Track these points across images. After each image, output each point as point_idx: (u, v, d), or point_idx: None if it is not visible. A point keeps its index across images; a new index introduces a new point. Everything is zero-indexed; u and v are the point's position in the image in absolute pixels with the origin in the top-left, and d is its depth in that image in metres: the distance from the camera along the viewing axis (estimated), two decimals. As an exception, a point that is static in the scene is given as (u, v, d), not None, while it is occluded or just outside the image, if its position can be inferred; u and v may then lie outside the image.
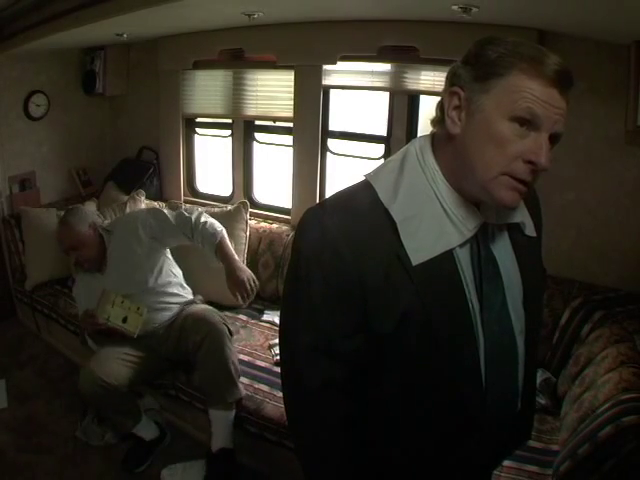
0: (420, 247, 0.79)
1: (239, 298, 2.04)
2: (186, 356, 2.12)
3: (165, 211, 2.31)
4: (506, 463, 1.61)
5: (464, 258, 0.82)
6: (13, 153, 3.19)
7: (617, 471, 1.36)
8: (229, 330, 2.16)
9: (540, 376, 1.97)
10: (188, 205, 3.07)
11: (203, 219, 2.23)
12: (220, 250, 2.18)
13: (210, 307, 2.30)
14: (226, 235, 2.23)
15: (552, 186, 2.08)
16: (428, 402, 0.86)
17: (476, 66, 0.76)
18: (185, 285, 2.39)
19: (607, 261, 2.16)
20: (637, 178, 2.04)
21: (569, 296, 2.09)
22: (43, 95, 3.25)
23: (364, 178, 0.87)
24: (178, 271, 2.40)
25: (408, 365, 0.84)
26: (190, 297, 2.37)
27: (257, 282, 2.09)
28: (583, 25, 1.83)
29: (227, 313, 2.38)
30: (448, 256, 0.80)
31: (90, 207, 2.49)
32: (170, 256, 2.38)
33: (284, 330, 0.92)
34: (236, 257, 2.18)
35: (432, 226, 0.80)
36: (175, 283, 2.33)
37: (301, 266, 0.85)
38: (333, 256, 0.80)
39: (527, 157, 0.74)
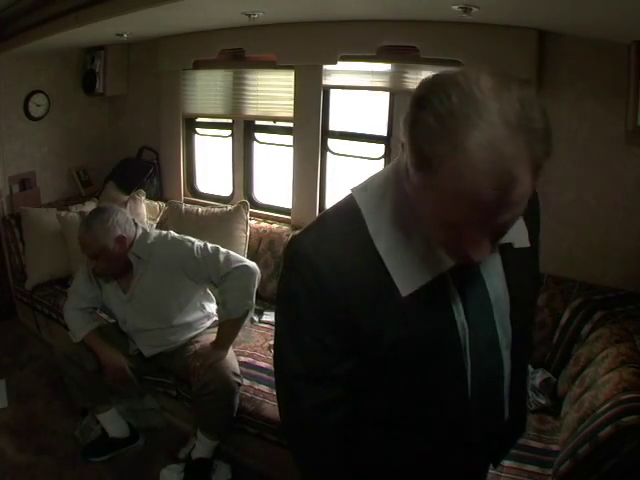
0: (408, 276, 0.76)
1: (194, 368, 1.98)
2: (188, 381, 2.08)
3: (199, 256, 2.02)
4: (506, 463, 1.61)
5: (452, 280, 0.80)
6: (13, 153, 3.19)
7: (617, 471, 1.36)
8: (239, 382, 2.02)
9: (540, 376, 1.97)
10: (188, 205, 3.07)
11: (236, 283, 1.99)
12: (226, 326, 2.04)
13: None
14: (249, 315, 2.06)
15: (552, 186, 2.08)
16: (414, 417, 0.86)
17: (410, 144, 0.63)
18: (213, 313, 2.27)
19: (607, 261, 2.16)
20: (637, 178, 2.04)
21: (569, 296, 2.09)
22: (43, 95, 3.25)
23: (350, 192, 0.82)
24: (209, 304, 2.26)
25: (396, 385, 0.84)
26: (211, 322, 2.25)
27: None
28: (583, 25, 1.84)
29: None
30: (437, 280, 0.77)
31: (123, 211, 2.11)
32: (207, 290, 2.23)
33: (276, 350, 0.91)
34: (230, 342, 2.06)
35: (420, 253, 0.76)
36: (201, 317, 2.21)
37: (286, 291, 0.84)
38: (315, 281, 0.78)
39: (461, 245, 0.67)
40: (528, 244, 0.86)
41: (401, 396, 0.85)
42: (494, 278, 0.83)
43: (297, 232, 0.85)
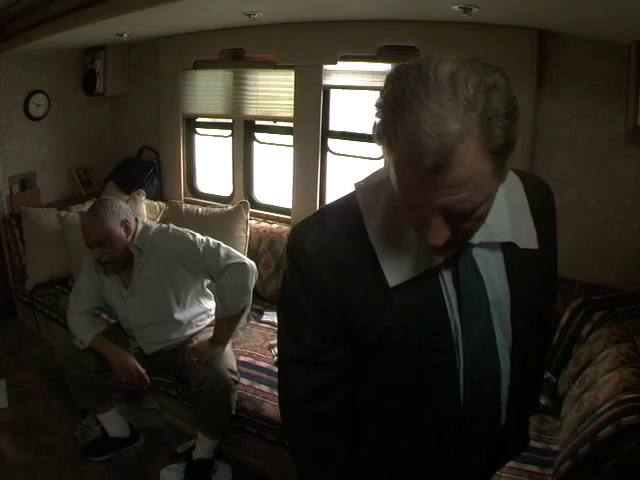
0: (398, 268, 0.78)
1: (191, 364, 2.00)
2: (187, 380, 2.08)
3: (201, 249, 2.04)
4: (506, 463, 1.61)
5: (447, 277, 0.80)
6: (13, 153, 3.19)
7: (617, 471, 1.35)
8: (236, 380, 2.04)
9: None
10: (188, 205, 3.07)
11: (233, 278, 2.00)
12: (223, 323, 2.05)
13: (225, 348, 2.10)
14: (245, 312, 2.07)
15: (552, 186, 2.07)
16: (405, 413, 0.87)
17: (374, 119, 0.67)
18: (211, 311, 2.26)
19: (607, 261, 2.16)
20: (637, 178, 2.04)
21: (569, 296, 2.09)
22: (43, 95, 3.25)
23: (354, 188, 0.85)
24: (208, 300, 2.26)
25: (387, 377, 0.85)
26: (210, 320, 2.25)
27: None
28: (583, 25, 1.84)
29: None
30: (431, 275, 0.79)
31: (124, 202, 2.19)
32: (204, 285, 2.22)
33: (277, 337, 0.95)
34: (227, 339, 2.08)
35: (411, 247, 0.78)
36: (200, 313, 2.22)
37: (287, 283, 0.88)
38: (310, 272, 0.81)
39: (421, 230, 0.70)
40: (536, 246, 0.85)
41: (393, 391, 0.86)
42: (494, 278, 0.82)
43: (298, 223, 0.87)
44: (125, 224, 2.04)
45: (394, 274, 0.78)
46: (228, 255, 2.05)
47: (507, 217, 0.81)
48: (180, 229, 2.13)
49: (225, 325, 2.06)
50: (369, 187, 0.82)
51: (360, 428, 0.92)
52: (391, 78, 0.65)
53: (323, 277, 0.80)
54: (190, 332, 2.18)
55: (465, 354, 0.81)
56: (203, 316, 2.24)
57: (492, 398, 0.88)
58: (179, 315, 2.13)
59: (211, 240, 2.09)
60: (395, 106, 0.62)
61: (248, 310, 2.09)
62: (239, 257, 2.08)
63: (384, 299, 0.79)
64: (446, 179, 0.61)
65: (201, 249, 2.04)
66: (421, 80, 0.61)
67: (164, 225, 2.17)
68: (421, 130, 0.59)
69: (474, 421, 0.86)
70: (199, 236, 2.09)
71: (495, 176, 0.65)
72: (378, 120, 0.65)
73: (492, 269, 0.82)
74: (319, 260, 0.80)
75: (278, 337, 0.94)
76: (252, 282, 2.05)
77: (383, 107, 0.64)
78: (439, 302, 0.80)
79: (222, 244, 2.10)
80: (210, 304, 2.28)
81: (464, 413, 0.84)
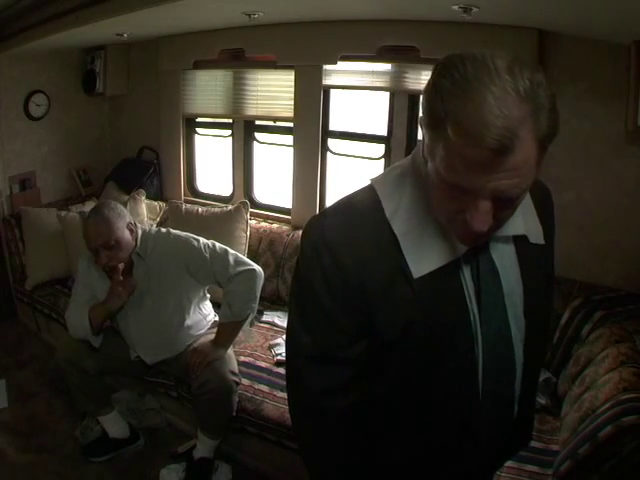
0: (422, 259, 0.78)
1: (193, 365, 1.99)
2: (188, 382, 2.08)
3: (207, 255, 2.01)
4: (506, 463, 1.60)
5: (466, 268, 0.81)
6: (13, 153, 3.19)
7: (617, 471, 1.36)
8: (237, 381, 2.03)
9: (540, 376, 1.97)
10: (188, 205, 3.07)
11: (241, 286, 2.00)
12: (227, 327, 2.04)
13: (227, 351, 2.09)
14: (250, 317, 2.07)
15: (552, 186, 2.05)
16: (425, 407, 0.86)
17: (425, 107, 0.69)
18: (210, 315, 2.26)
19: (607, 261, 2.16)
20: (637, 178, 2.04)
21: (569, 296, 2.09)
22: (43, 95, 3.25)
23: (369, 182, 0.86)
24: (206, 304, 2.25)
25: (407, 370, 0.85)
26: (210, 325, 2.24)
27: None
28: (583, 25, 1.84)
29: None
30: (452, 268, 0.80)
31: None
32: (205, 290, 2.20)
33: (289, 333, 0.92)
34: (230, 342, 2.07)
35: (435, 238, 0.79)
36: (200, 319, 2.19)
37: (303, 272, 0.85)
38: (333, 263, 0.80)
39: (464, 217, 0.70)
40: (543, 241, 0.88)
41: (412, 386, 0.85)
42: (509, 272, 0.84)
43: (316, 215, 0.87)
44: (130, 227, 2.00)
45: (418, 265, 0.78)
46: (237, 261, 2.03)
47: (519, 212, 0.82)
48: (181, 234, 2.08)
49: (229, 329, 2.05)
50: (389, 180, 0.83)
51: (376, 424, 0.91)
52: (446, 65, 0.66)
53: (345, 267, 0.79)
54: (190, 342, 2.15)
55: (483, 346, 0.82)
56: (203, 322, 2.22)
57: (508, 391, 0.89)
58: (180, 324, 2.11)
59: (217, 245, 2.06)
60: (458, 90, 0.63)
61: (253, 315, 2.09)
62: (248, 263, 2.06)
63: (407, 290, 0.79)
64: (507, 162, 0.63)
65: (208, 255, 2.01)
66: (481, 68, 0.63)
67: (163, 230, 2.11)
68: (488, 111, 0.61)
69: (492, 414, 0.86)
70: (203, 241, 2.05)
71: (538, 165, 0.67)
72: (434, 104, 0.66)
73: (506, 262, 0.84)
74: (342, 249, 0.79)
75: (289, 335, 0.91)
76: (260, 288, 2.05)
77: (441, 92, 0.65)
78: (459, 294, 0.81)
79: (229, 249, 2.06)
80: (208, 306, 2.27)
81: (482, 406, 0.85)
